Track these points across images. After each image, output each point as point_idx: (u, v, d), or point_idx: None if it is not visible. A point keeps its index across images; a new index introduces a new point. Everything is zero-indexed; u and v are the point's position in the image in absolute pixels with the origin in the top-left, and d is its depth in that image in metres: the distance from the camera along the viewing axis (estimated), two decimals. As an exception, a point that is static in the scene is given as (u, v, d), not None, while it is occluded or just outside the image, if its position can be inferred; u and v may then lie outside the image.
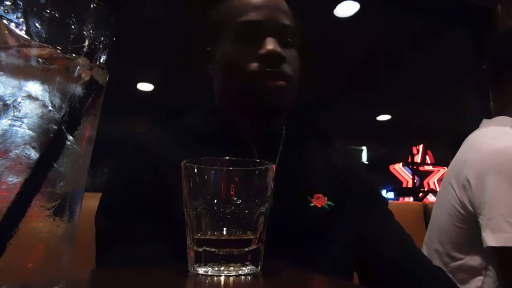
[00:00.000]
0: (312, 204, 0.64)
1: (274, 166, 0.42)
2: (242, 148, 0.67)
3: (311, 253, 0.61)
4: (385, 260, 0.66)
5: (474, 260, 0.83)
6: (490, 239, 0.75)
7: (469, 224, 0.84)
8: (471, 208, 0.82)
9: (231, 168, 0.40)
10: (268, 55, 0.62)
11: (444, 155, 6.00)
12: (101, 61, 0.30)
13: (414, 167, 6.04)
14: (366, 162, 7.34)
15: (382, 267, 0.66)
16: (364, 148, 7.48)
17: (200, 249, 0.39)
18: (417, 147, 6.34)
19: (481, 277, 0.82)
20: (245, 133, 0.68)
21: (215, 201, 0.39)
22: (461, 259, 0.85)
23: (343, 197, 0.67)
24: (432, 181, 6.14)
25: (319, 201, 0.65)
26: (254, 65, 0.63)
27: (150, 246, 0.57)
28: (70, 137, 0.27)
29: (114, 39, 0.31)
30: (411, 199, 5.60)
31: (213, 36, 0.72)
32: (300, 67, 0.69)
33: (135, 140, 0.72)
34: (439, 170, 6.14)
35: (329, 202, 0.65)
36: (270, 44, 0.63)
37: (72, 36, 0.27)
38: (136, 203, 0.60)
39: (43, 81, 0.25)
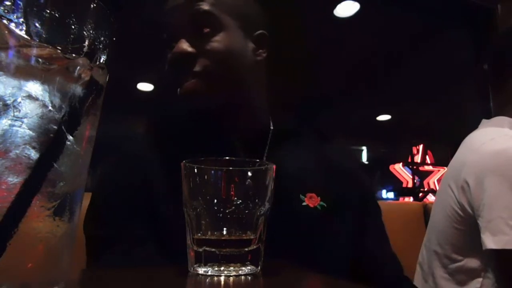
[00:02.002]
0: (304, 204, 0.62)
1: (274, 167, 0.42)
2: (227, 147, 0.63)
3: (302, 253, 0.59)
4: (372, 278, 0.65)
5: (473, 262, 0.83)
6: (490, 242, 0.75)
7: (468, 226, 0.83)
8: (470, 210, 0.82)
9: (231, 168, 0.40)
10: (174, 59, 0.60)
11: (444, 155, 6.00)
12: (101, 61, 0.30)
13: (414, 167, 6.04)
14: (366, 162, 7.34)
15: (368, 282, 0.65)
16: (364, 148, 7.48)
17: (200, 249, 0.39)
18: (417, 147, 6.34)
19: (480, 279, 0.82)
20: (229, 131, 0.65)
21: (215, 201, 0.39)
22: (460, 260, 0.85)
23: (338, 200, 0.64)
24: (432, 181, 6.14)
25: (312, 200, 0.62)
26: (169, 72, 0.62)
27: (140, 249, 0.56)
28: (70, 137, 0.27)
29: (114, 39, 0.31)
30: (411, 199, 5.60)
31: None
32: (227, 52, 0.62)
33: (121, 143, 0.70)
34: (439, 170, 6.14)
35: (322, 203, 0.62)
36: (176, 47, 0.60)
37: (72, 36, 0.27)
38: (125, 206, 0.59)
39: (43, 81, 0.25)
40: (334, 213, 0.63)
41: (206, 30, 0.62)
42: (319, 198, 0.63)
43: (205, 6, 0.62)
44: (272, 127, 0.72)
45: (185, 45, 0.60)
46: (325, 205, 0.62)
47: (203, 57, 0.61)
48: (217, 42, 0.62)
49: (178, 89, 0.62)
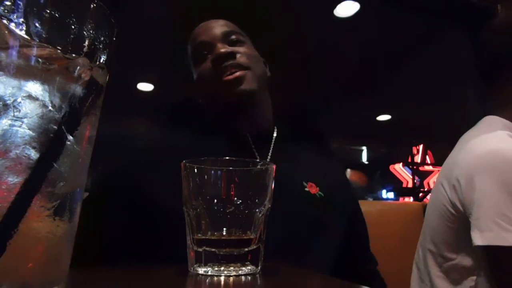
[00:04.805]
0: (306, 189, 0.71)
1: (274, 166, 0.42)
2: (240, 141, 0.74)
3: (301, 235, 0.68)
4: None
5: (466, 260, 0.84)
6: (478, 238, 0.76)
7: (460, 224, 0.84)
8: (461, 209, 0.83)
9: (231, 168, 0.40)
10: (218, 56, 0.73)
11: (444, 155, 5.96)
12: (101, 61, 0.30)
13: (414, 167, 6.03)
14: (366, 162, 7.34)
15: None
16: (364, 148, 7.47)
17: (200, 249, 0.39)
18: (417, 147, 6.33)
19: (474, 277, 0.83)
20: (240, 128, 0.75)
21: (215, 201, 0.39)
22: (454, 259, 0.86)
23: (332, 194, 0.74)
24: (432, 181, 6.12)
25: (312, 189, 0.72)
26: (213, 71, 0.74)
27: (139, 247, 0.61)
28: (70, 137, 0.27)
29: (114, 39, 0.31)
30: (411, 199, 5.60)
31: (188, 58, 0.86)
32: (256, 55, 0.80)
33: (135, 140, 0.79)
34: (439, 170, 6.13)
35: (320, 193, 0.72)
36: (217, 49, 0.74)
37: (72, 36, 0.27)
38: (135, 202, 0.63)
39: (43, 81, 0.25)
40: (330, 205, 0.73)
41: (234, 38, 0.78)
42: (318, 188, 0.73)
43: (226, 28, 0.79)
44: (276, 127, 0.82)
45: (224, 48, 0.74)
46: (323, 195, 0.73)
47: (241, 54, 0.76)
48: (246, 47, 0.79)
49: (222, 85, 0.73)
